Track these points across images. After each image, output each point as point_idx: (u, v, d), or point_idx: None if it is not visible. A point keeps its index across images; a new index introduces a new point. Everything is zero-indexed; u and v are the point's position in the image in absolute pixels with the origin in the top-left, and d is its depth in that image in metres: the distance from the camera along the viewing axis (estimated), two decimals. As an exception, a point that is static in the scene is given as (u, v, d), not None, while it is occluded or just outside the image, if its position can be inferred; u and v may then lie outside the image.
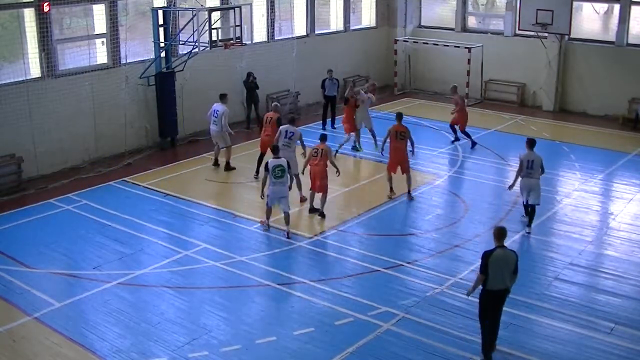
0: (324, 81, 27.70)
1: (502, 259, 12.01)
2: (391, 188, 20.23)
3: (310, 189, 18.98)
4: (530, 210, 17.92)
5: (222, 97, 22.59)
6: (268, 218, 18.05)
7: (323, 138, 19.04)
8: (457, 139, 25.41)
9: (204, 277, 15.65)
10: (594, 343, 13.07)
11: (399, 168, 20.12)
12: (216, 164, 22.93)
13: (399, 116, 20.52)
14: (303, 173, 19.18)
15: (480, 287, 12.28)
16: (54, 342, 13.07)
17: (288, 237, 17.50)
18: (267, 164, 17.70)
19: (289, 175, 17.77)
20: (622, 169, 22.98)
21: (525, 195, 17.85)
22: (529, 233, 17.78)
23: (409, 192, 20.17)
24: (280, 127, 20.29)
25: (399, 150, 20.14)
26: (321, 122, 27.64)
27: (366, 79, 33.61)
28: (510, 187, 18.42)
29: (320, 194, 18.69)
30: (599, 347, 12.95)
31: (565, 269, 15.95)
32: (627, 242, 17.56)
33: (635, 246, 17.30)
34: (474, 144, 24.88)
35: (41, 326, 13.58)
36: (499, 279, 12.03)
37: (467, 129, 24.76)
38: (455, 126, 25.27)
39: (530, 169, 17.67)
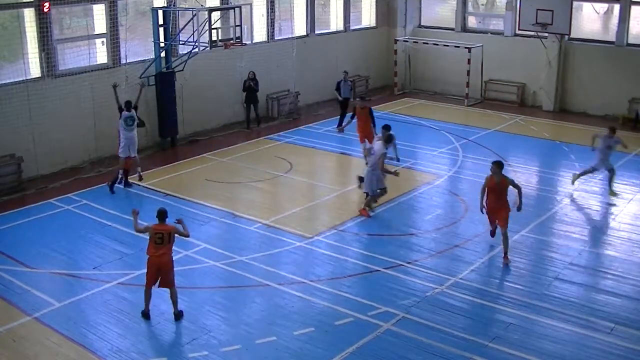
0: (339, 83, 27.34)
1: None
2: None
3: None
4: None
5: (389, 138, 18.98)
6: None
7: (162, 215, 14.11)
8: None
9: (204, 277, 15.66)
10: (594, 343, 13.06)
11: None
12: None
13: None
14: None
15: None
16: (54, 342, 13.07)
17: (140, 180, 20.84)
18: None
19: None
20: (622, 169, 22.92)
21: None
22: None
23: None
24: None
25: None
26: (337, 124, 27.22)
27: (366, 79, 33.66)
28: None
29: None
30: (599, 347, 12.94)
31: (565, 269, 15.95)
32: (627, 242, 17.56)
33: (635, 246, 17.30)
34: None
35: (41, 326, 13.58)
36: None
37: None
38: None
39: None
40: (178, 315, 13.84)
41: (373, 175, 18.65)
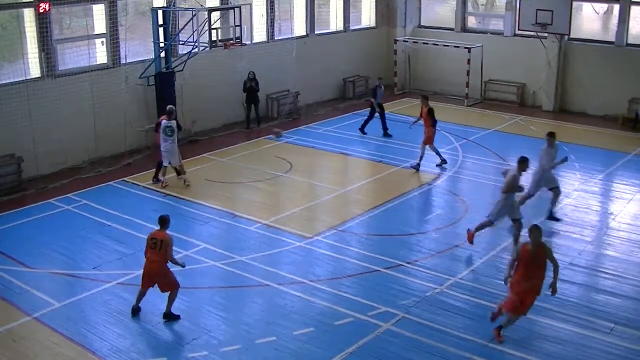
0: (375, 89, 26.55)
1: None
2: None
3: None
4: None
5: (522, 163, 16.68)
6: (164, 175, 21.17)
7: None
8: None
9: (203, 277, 15.66)
10: (594, 343, 13.07)
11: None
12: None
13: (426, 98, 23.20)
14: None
15: None
16: (54, 342, 13.07)
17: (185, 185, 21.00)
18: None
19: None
20: (622, 169, 23.00)
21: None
22: None
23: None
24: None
25: None
26: (382, 130, 26.46)
27: (366, 79, 33.60)
28: None
29: None
30: (598, 347, 12.95)
31: (565, 269, 15.90)
32: (627, 242, 17.57)
33: (635, 246, 17.31)
34: None
35: (41, 326, 13.58)
36: None
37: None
38: None
39: None
40: (167, 315, 13.79)
41: (503, 201, 16.60)
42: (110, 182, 21.47)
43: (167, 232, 13.96)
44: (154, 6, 24.75)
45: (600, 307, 14.39)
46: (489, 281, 15.34)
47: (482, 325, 13.57)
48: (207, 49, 23.30)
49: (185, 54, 24.37)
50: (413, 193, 20.68)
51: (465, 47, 31.51)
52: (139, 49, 24.77)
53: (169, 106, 21.14)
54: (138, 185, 21.20)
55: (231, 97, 27.43)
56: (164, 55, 24.51)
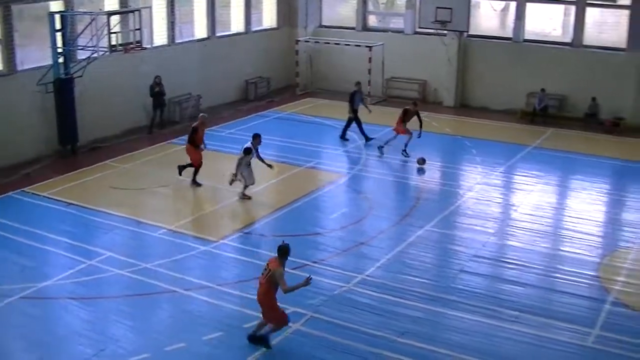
0: (352, 94, 26.13)
1: None
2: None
3: None
4: None
5: None
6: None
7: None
8: None
9: (109, 286, 15.35)
10: (500, 332, 13.37)
11: None
12: None
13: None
14: None
15: None
16: (-47, 361, 12.67)
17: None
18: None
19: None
20: (522, 161, 23.57)
21: None
22: None
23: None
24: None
25: None
26: (363, 136, 26.02)
27: (267, 80, 33.54)
28: None
29: None
30: (505, 335, 13.26)
31: (469, 261, 16.25)
32: (529, 232, 18.01)
33: (536, 236, 17.77)
34: None
35: (-63, 347, 13.12)
36: None
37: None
38: None
39: None
40: (252, 338, 12.97)
41: None
42: (8, 193, 20.72)
43: (282, 262, 12.96)
44: (51, 10, 24.12)
45: (505, 296, 14.72)
46: (396, 277, 15.50)
47: (391, 321, 13.72)
48: (107, 53, 22.90)
49: (85, 59, 23.86)
50: (318, 192, 20.75)
51: (367, 46, 31.80)
52: (36, 54, 24.10)
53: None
54: (38, 195, 20.56)
55: (132, 103, 26.94)
56: (62, 61, 23.93)
